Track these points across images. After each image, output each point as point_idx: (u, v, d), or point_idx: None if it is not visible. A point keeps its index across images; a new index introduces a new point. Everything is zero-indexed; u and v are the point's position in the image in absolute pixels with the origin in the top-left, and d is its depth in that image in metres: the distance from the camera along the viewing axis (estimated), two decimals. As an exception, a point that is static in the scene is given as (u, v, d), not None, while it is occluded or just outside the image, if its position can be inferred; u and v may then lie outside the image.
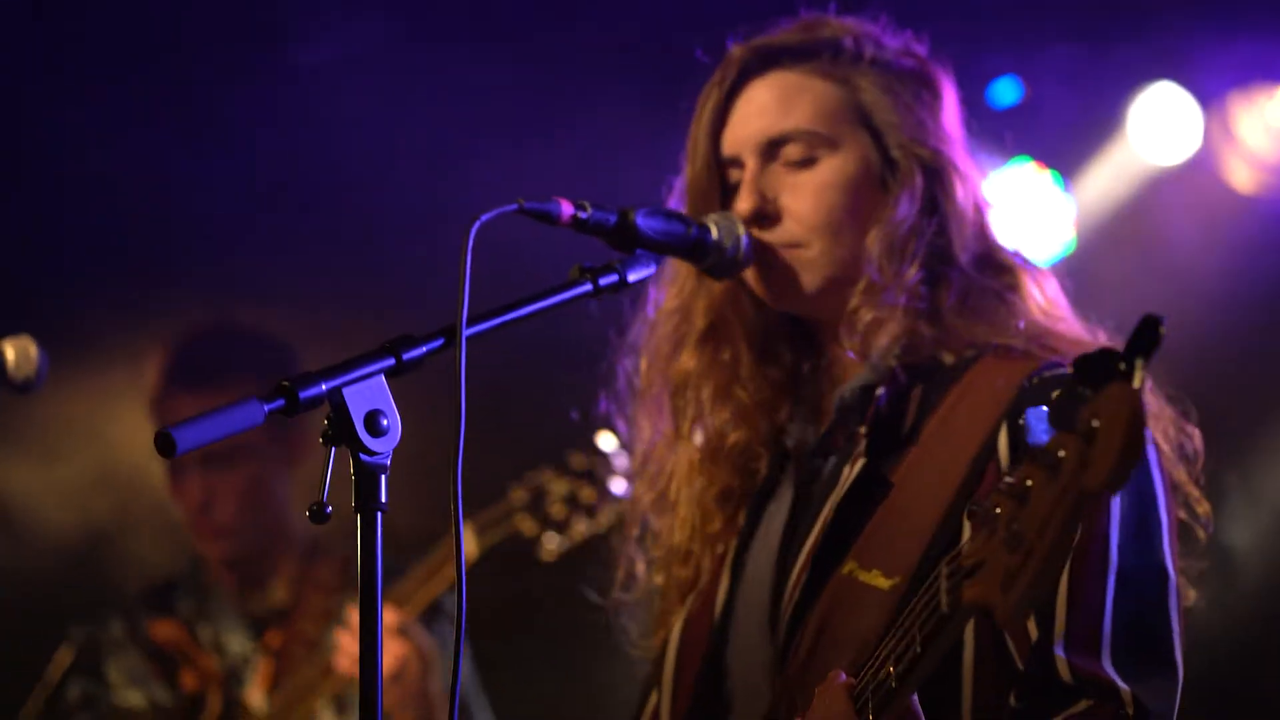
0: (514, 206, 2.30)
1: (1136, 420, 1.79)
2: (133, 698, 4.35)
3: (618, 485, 4.07)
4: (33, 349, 2.82)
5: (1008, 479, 1.92)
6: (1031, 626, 2.47)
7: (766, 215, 2.72)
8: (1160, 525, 2.53)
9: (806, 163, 2.74)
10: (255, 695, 4.24)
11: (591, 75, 4.72)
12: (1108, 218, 4.76)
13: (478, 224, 2.22)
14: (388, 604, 3.91)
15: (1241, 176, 4.68)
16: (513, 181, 2.42)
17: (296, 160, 4.77)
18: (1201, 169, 4.69)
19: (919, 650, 2.11)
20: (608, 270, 2.39)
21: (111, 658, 4.40)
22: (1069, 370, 2.49)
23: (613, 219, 2.42)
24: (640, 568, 2.99)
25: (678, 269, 2.87)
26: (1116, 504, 2.49)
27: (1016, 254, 2.80)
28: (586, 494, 4.05)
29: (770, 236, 2.72)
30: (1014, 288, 2.75)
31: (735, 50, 2.81)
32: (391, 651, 3.86)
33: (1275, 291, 4.63)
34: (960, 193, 2.75)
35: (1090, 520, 2.48)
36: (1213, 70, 4.57)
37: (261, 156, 4.82)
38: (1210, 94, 4.61)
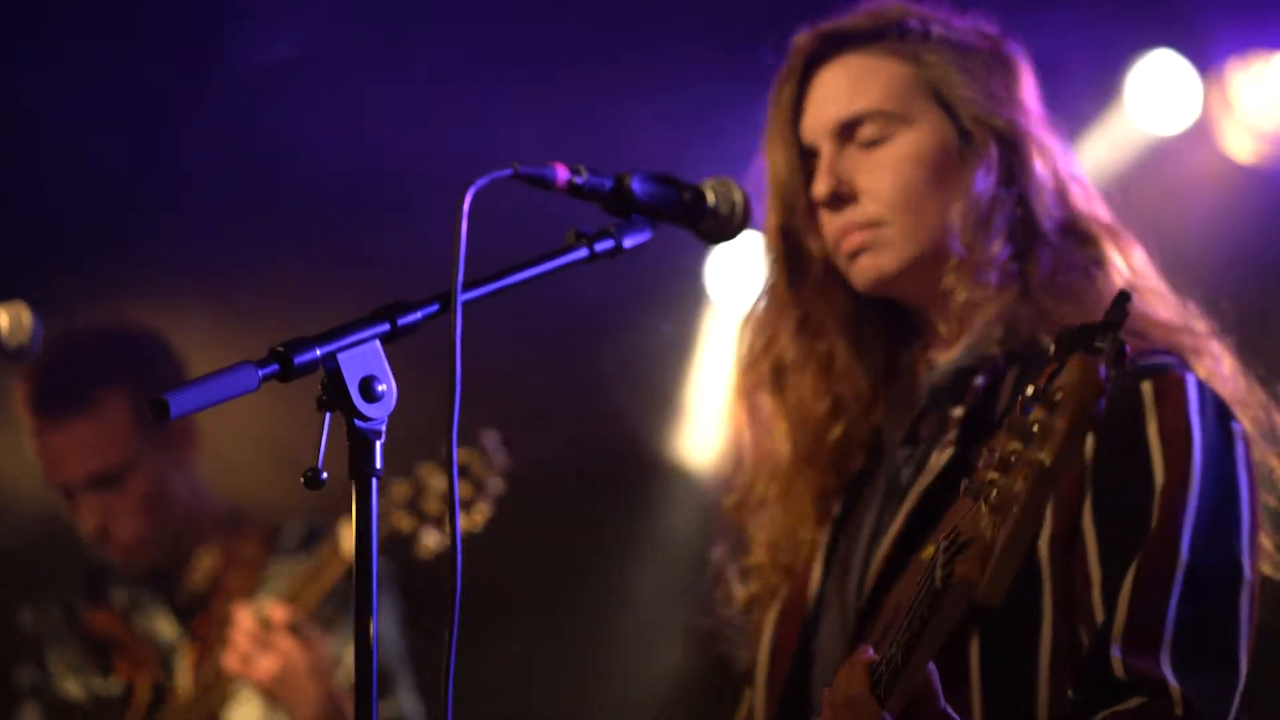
0: (509, 171, 2.28)
1: (1089, 391, 1.84)
2: (71, 687, 4.35)
3: (495, 484, 4.03)
4: (27, 316, 2.80)
5: (994, 451, 1.94)
6: (1098, 612, 2.48)
7: (841, 196, 2.75)
8: (1239, 521, 2.52)
9: (880, 141, 2.76)
10: (184, 682, 4.24)
11: (593, 47, 4.72)
12: (1105, 187, 4.74)
13: (473, 189, 2.20)
14: (278, 601, 3.93)
15: (1241, 146, 4.66)
16: (511, 151, 2.41)
17: (293, 134, 4.76)
18: (1200, 139, 4.68)
19: (919, 628, 2.11)
20: (603, 236, 2.37)
21: (51, 647, 4.40)
22: (1163, 358, 2.51)
23: (608, 184, 2.40)
24: (735, 582, 2.99)
25: (767, 273, 2.91)
26: (1194, 497, 2.49)
27: (1097, 222, 2.79)
28: (462, 489, 4.01)
29: (849, 217, 2.76)
30: (1099, 261, 2.74)
31: (801, 39, 2.84)
32: (279, 649, 3.86)
33: (1276, 263, 4.62)
34: (1038, 164, 2.76)
35: (1164, 518, 2.48)
36: (1211, 38, 4.55)
37: (259, 132, 4.81)
38: (1209, 62, 4.60)
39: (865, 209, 2.75)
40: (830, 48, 2.82)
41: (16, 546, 4.94)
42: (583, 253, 2.35)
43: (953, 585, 2.02)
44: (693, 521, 5.28)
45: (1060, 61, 4.63)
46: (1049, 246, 2.73)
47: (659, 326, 5.15)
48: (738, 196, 2.59)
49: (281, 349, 2.04)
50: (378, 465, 2.08)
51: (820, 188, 2.77)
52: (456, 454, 2.15)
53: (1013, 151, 2.76)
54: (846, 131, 2.78)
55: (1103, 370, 1.88)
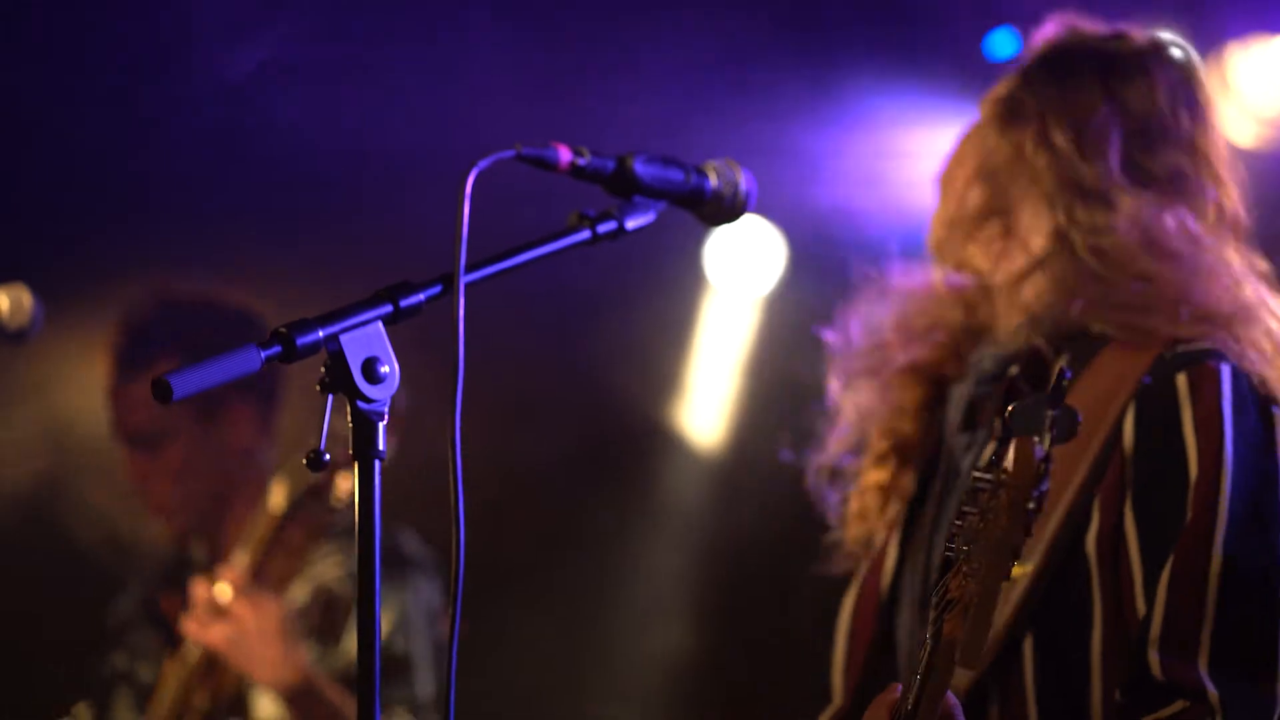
0: (511, 153, 2.28)
1: (1027, 473, 1.99)
2: (145, 673, 4.39)
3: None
4: (27, 298, 2.81)
5: (962, 518, 2.07)
6: (1141, 608, 2.50)
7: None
8: (1279, 514, 2.52)
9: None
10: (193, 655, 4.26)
11: (586, 26, 4.71)
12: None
13: (475, 171, 2.20)
14: (225, 569, 3.98)
15: (1241, 130, 4.65)
16: (505, 133, 2.41)
17: (292, 118, 4.75)
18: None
19: (920, 677, 2.16)
20: (605, 217, 2.36)
21: (134, 633, 4.46)
22: (1201, 345, 2.53)
23: (611, 165, 2.38)
24: (838, 455, 3.07)
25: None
26: (1229, 491, 2.50)
27: (1147, 205, 2.79)
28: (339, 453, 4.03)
29: None
30: (1138, 249, 2.75)
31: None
32: (230, 614, 3.91)
33: (1277, 249, 4.61)
34: (1060, 136, 2.79)
35: (1198, 512, 2.50)
36: (1211, 21, 4.54)
37: (257, 116, 4.80)
38: (1209, 45, 4.59)
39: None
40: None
41: (91, 534, 4.97)
42: (585, 234, 2.34)
43: (942, 643, 2.09)
44: (692, 493, 5.30)
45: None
46: (1072, 197, 2.76)
47: (659, 307, 5.17)
48: (740, 179, 2.59)
49: (284, 330, 2.04)
50: (380, 447, 2.09)
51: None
52: (459, 417, 2.15)
53: (1030, 117, 2.81)
54: None
55: (1039, 451, 2.01)
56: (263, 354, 2.02)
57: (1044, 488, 2.02)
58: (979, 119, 2.90)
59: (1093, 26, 2.93)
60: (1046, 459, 2.01)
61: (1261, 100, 4.57)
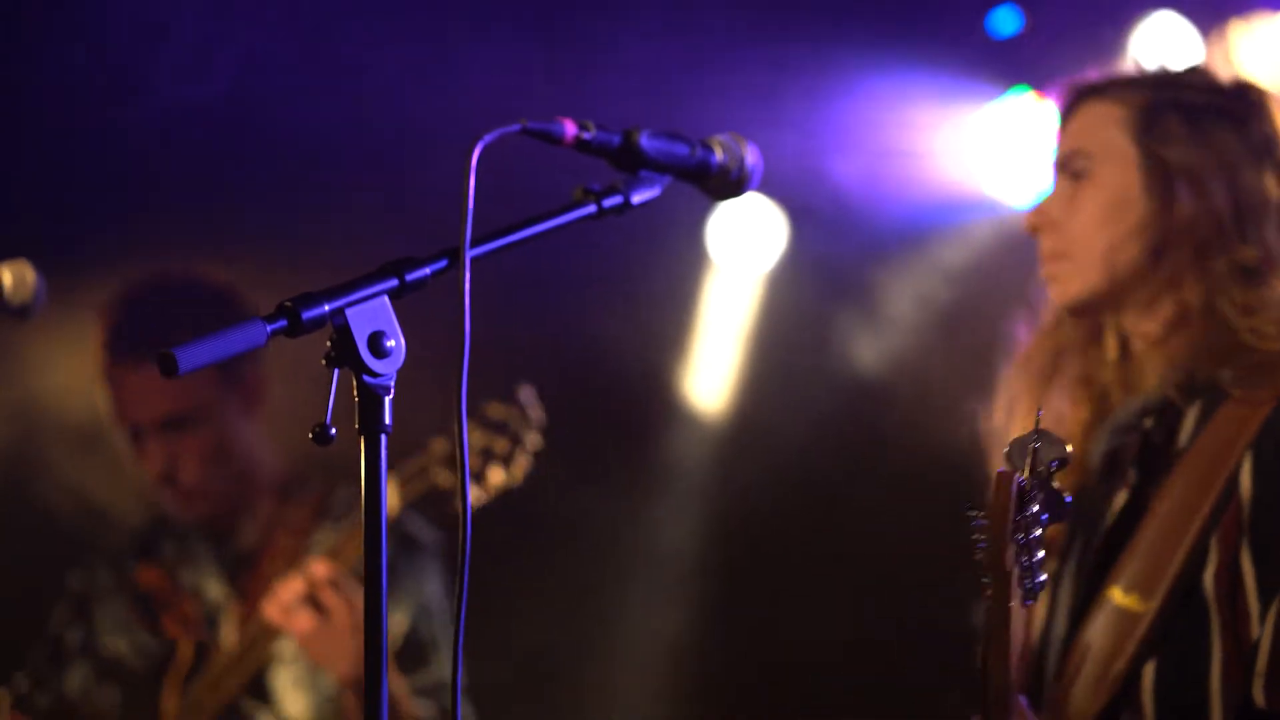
0: (516, 127, 2.27)
1: (1003, 503, 2.18)
2: (118, 645, 4.38)
3: (532, 440, 4.06)
4: (30, 274, 2.81)
5: (979, 543, 2.23)
6: (1255, 631, 2.61)
7: (1038, 227, 2.94)
8: None
9: (1081, 176, 2.93)
10: (230, 641, 4.26)
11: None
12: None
13: (481, 145, 2.19)
14: (321, 558, 3.97)
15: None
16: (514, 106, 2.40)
17: (296, 99, 4.74)
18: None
19: (981, 712, 2.30)
20: (611, 192, 2.36)
21: (100, 604, 4.43)
22: None
23: (616, 140, 2.38)
24: None
25: None
26: None
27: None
28: (500, 445, 4.03)
29: (1044, 246, 2.95)
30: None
31: (1065, 88, 3.05)
32: (321, 604, 3.91)
33: None
34: (1196, 202, 2.84)
35: None
36: (1214, -2, 4.55)
37: (256, 100, 4.79)
38: (1212, 23, 4.58)
39: (1054, 241, 2.92)
40: (1079, 96, 3.00)
41: (65, 507, 4.96)
42: (591, 209, 2.33)
43: (985, 673, 2.25)
44: (696, 470, 5.30)
45: (1062, 25, 4.64)
46: (1233, 281, 2.82)
47: (662, 283, 5.18)
48: (746, 153, 2.58)
49: (290, 304, 2.04)
50: (386, 421, 2.09)
51: (1026, 221, 2.96)
52: (465, 394, 2.14)
53: (1181, 181, 2.85)
54: (1064, 166, 2.96)
55: (1018, 481, 2.18)
56: (268, 328, 2.01)
57: (1029, 513, 2.18)
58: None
59: (1179, 71, 3.03)
60: (1032, 487, 2.18)
61: (1264, 77, 4.56)
